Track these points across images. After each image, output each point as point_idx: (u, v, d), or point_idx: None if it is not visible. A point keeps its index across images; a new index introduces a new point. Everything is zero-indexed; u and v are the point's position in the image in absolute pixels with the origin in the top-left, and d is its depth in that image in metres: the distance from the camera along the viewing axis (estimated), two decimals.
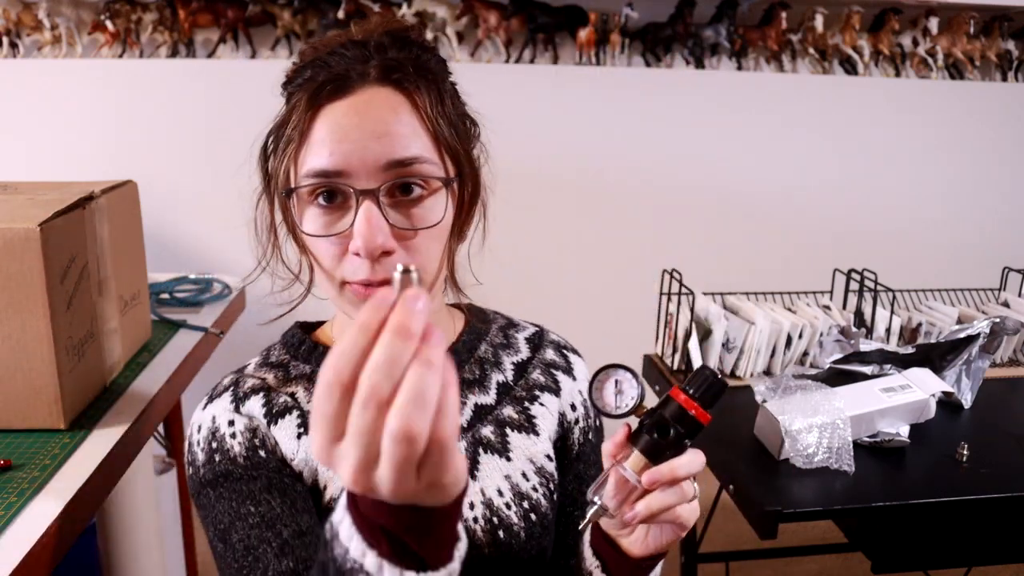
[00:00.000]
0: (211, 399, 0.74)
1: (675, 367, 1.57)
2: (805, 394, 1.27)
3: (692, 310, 1.52)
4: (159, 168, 2.42)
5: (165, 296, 1.50)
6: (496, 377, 0.81)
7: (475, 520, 0.73)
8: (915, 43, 2.60)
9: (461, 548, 0.49)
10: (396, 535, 0.45)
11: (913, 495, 1.15)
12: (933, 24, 2.54)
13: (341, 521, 0.47)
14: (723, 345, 1.53)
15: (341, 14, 2.30)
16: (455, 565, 0.48)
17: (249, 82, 2.40)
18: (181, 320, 1.39)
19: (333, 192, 0.65)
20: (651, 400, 0.66)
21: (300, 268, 0.76)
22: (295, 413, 0.72)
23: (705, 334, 1.53)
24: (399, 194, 0.65)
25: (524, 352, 0.84)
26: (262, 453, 0.70)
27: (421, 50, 0.70)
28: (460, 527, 0.50)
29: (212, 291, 1.55)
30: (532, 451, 0.78)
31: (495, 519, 0.74)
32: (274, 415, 0.72)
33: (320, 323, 0.83)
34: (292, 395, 0.74)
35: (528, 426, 0.79)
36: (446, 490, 0.44)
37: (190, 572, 1.79)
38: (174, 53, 2.37)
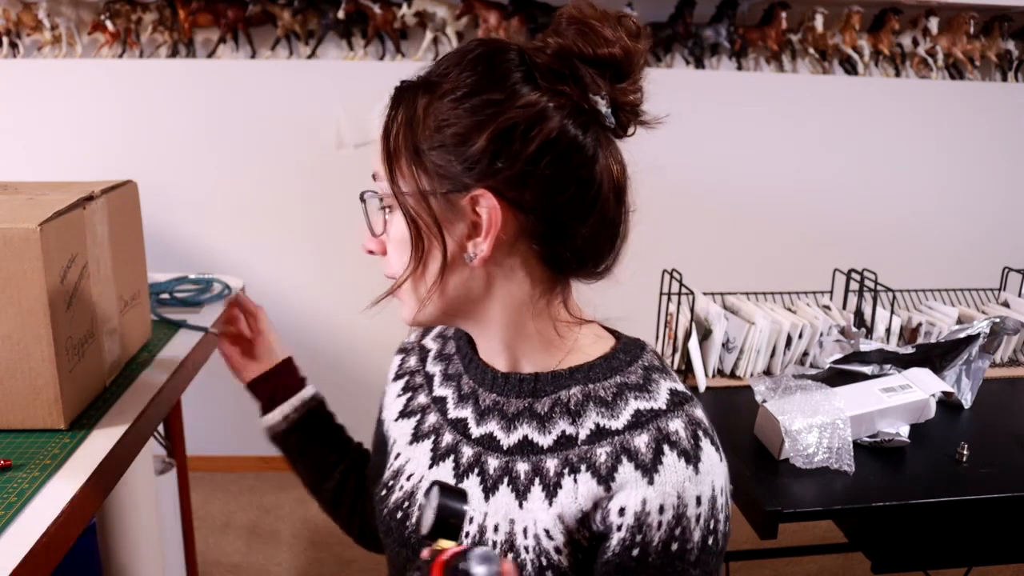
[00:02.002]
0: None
1: (675, 367, 1.57)
2: (805, 394, 1.27)
3: (692, 310, 1.52)
4: (159, 168, 2.42)
5: (165, 296, 1.50)
6: (564, 426, 0.71)
7: (466, 535, 0.73)
8: (915, 43, 2.60)
9: (294, 402, 0.99)
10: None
11: (913, 495, 1.15)
12: (933, 24, 2.54)
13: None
14: (723, 345, 1.53)
15: (341, 14, 2.30)
16: (284, 408, 0.99)
17: (249, 82, 2.41)
18: (181, 320, 1.39)
19: None
20: None
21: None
22: (405, 378, 0.89)
23: (705, 334, 1.53)
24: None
25: (619, 422, 0.70)
26: (382, 399, 0.93)
27: (444, 66, 0.68)
28: (299, 397, 1.00)
29: (212, 291, 1.55)
30: (537, 515, 0.70)
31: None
32: (397, 375, 0.91)
33: None
34: (426, 352, 0.89)
35: (550, 490, 0.70)
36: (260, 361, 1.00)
37: (190, 572, 1.79)
38: (174, 53, 2.37)
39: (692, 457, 0.67)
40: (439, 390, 0.83)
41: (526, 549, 0.69)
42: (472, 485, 0.74)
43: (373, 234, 0.74)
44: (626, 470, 0.67)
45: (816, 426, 1.21)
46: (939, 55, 2.58)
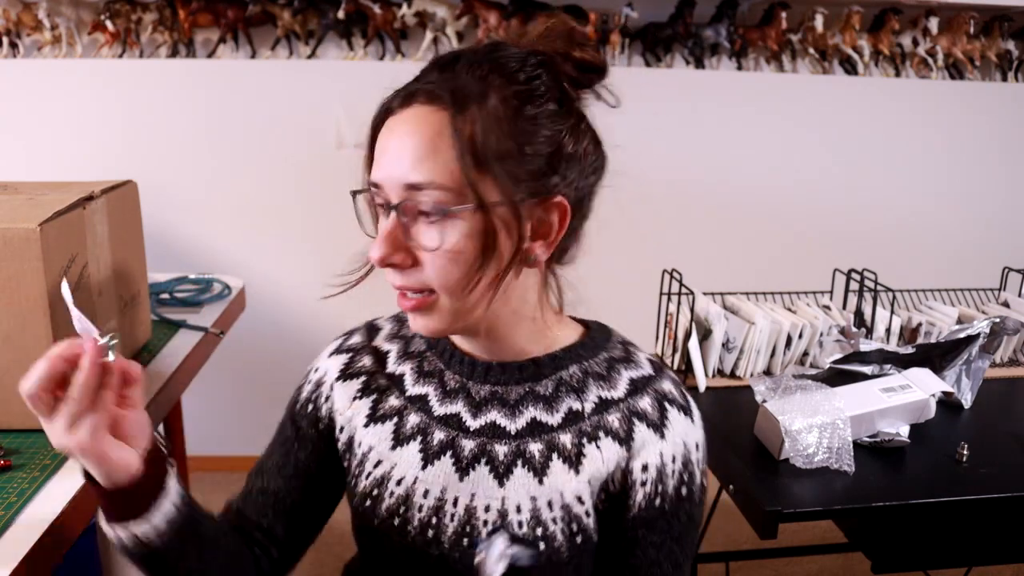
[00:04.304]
0: (338, 339, 0.88)
1: (675, 367, 1.57)
2: (805, 394, 1.27)
3: (692, 310, 1.52)
4: (159, 168, 2.42)
5: (165, 296, 1.50)
6: (570, 403, 0.78)
7: (484, 523, 0.75)
8: (915, 43, 2.60)
9: (158, 512, 0.67)
10: (105, 500, 0.66)
11: (913, 495, 1.15)
12: (933, 24, 2.54)
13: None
14: (723, 345, 1.53)
15: (341, 14, 2.30)
16: (146, 526, 0.67)
17: (249, 82, 2.41)
18: (181, 320, 1.39)
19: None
20: None
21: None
22: (362, 378, 0.83)
23: (705, 334, 1.53)
24: (420, 212, 0.68)
25: (619, 391, 0.78)
26: (309, 407, 0.85)
27: (497, 72, 0.68)
28: (169, 503, 0.68)
29: (212, 291, 1.55)
30: (565, 486, 0.75)
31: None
32: (346, 375, 0.84)
33: None
34: (382, 354, 0.84)
35: (574, 461, 0.76)
36: (111, 469, 0.63)
37: None
38: (174, 53, 2.37)
39: (688, 409, 0.79)
40: (414, 388, 0.81)
41: (554, 520, 0.75)
42: (482, 475, 0.76)
43: (427, 247, 0.68)
44: (641, 430, 0.76)
45: (816, 426, 1.21)
46: (939, 55, 2.58)
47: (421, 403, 0.80)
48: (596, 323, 0.85)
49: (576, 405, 0.77)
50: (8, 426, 0.96)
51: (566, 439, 0.76)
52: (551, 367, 0.78)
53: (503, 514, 0.75)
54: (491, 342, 0.78)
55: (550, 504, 0.75)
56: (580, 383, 0.78)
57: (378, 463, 0.79)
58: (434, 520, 0.76)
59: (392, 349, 0.84)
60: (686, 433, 0.78)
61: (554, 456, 0.76)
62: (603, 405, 0.77)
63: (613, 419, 0.77)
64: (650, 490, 0.76)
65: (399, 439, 0.79)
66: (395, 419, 0.80)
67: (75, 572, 1.47)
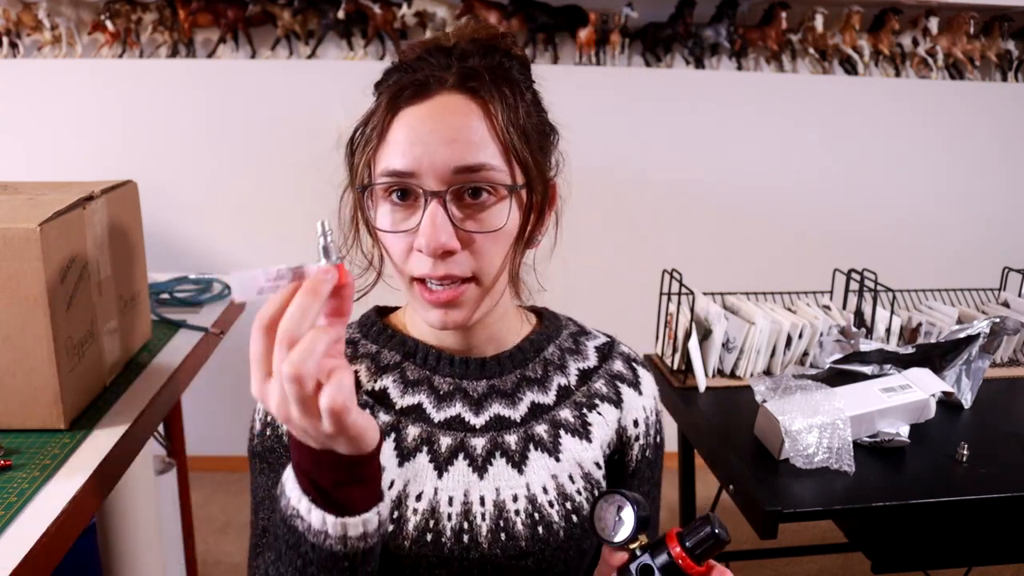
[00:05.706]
0: None
1: (675, 367, 1.57)
2: (805, 394, 1.27)
3: (692, 310, 1.52)
4: (159, 168, 2.42)
5: (165, 296, 1.50)
6: (558, 380, 0.82)
7: (516, 512, 0.75)
8: (915, 43, 2.60)
9: (381, 507, 0.62)
10: (322, 486, 0.59)
11: (913, 495, 1.15)
12: (933, 24, 2.54)
13: (288, 476, 0.61)
14: (723, 345, 1.53)
15: (341, 14, 2.30)
16: (371, 516, 0.61)
17: (249, 82, 2.41)
18: (181, 320, 1.39)
19: (406, 191, 0.69)
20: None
21: (372, 258, 0.79)
22: None
23: (705, 334, 1.53)
24: (467, 197, 0.68)
25: (592, 360, 0.84)
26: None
27: (505, 57, 0.73)
28: (385, 493, 0.64)
29: (212, 291, 1.55)
30: (582, 456, 0.79)
31: (536, 514, 0.75)
32: None
33: (396, 308, 0.87)
34: (354, 373, 0.78)
35: (582, 431, 0.80)
36: (356, 442, 0.56)
37: (190, 572, 1.79)
38: (174, 53, 2.37)
39: (646, 366, 0.88)
40: (404, 400, 0.77)
41: (579, 492, 0.78)
42: (501, 468, 0.76)
43: (491, 228, 0.69)
44: (624, 390, 0.84)
45: (816, 426, 1.21)
46: (939, 55, 2.58)
47: (416, 413, 0.77)
48: (534, 306, 0.87)
49: (563, 381, 0.82)
50: (8, 426, 0.96)
51: (565, 414, 0.80)
52: (533, 351, 0.82)
53: (531, 499, 0.75)
54: (487, 334, 0.79)
55: (571, 477, 0.78)
56: (560, 360, 0.83)
57: (391, 484, 0.74)
58: (466, 524, 0.74)
59: (360, 368, 0.79)
60: (652, 386, 0.86)
61: (561, 432, 0.79)
62: (585, 375, 0.83)
63: (600, 385, 0.83)
64: (643, 443, 0.84)
65: (403, 454, 0.75)
66: (392, 435, 0.76)
67: (75, 572, 1.47)
